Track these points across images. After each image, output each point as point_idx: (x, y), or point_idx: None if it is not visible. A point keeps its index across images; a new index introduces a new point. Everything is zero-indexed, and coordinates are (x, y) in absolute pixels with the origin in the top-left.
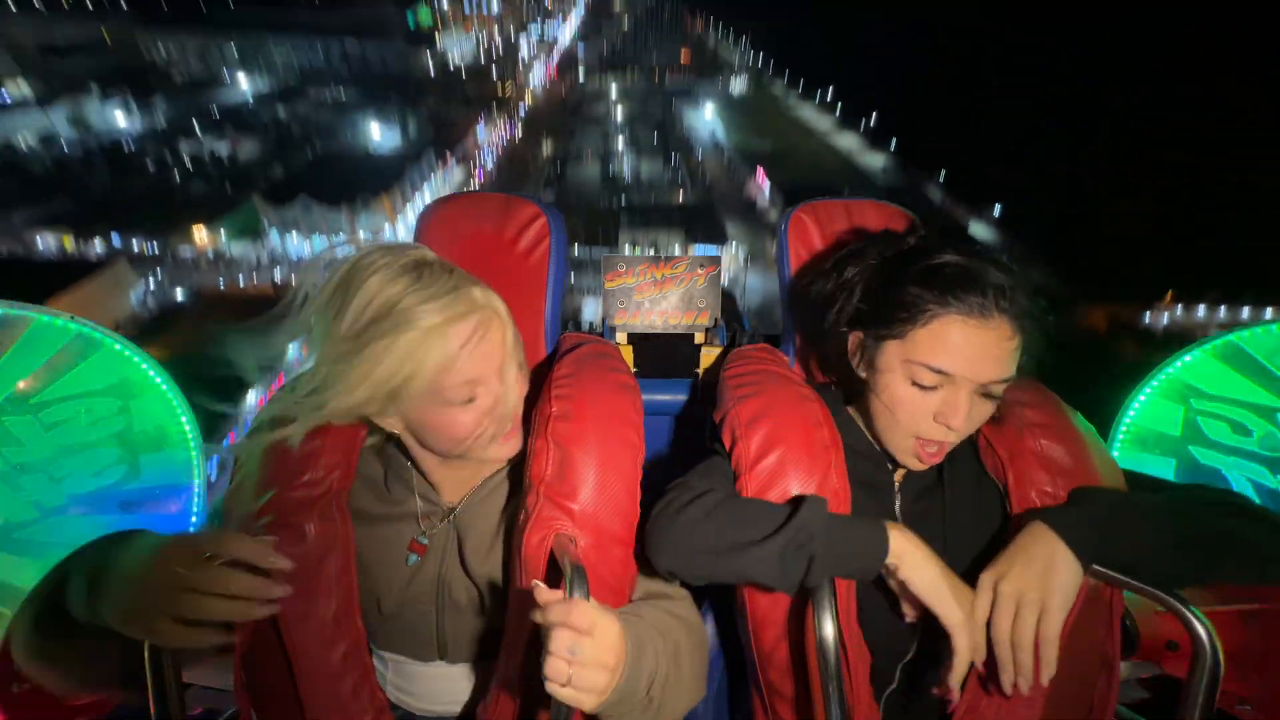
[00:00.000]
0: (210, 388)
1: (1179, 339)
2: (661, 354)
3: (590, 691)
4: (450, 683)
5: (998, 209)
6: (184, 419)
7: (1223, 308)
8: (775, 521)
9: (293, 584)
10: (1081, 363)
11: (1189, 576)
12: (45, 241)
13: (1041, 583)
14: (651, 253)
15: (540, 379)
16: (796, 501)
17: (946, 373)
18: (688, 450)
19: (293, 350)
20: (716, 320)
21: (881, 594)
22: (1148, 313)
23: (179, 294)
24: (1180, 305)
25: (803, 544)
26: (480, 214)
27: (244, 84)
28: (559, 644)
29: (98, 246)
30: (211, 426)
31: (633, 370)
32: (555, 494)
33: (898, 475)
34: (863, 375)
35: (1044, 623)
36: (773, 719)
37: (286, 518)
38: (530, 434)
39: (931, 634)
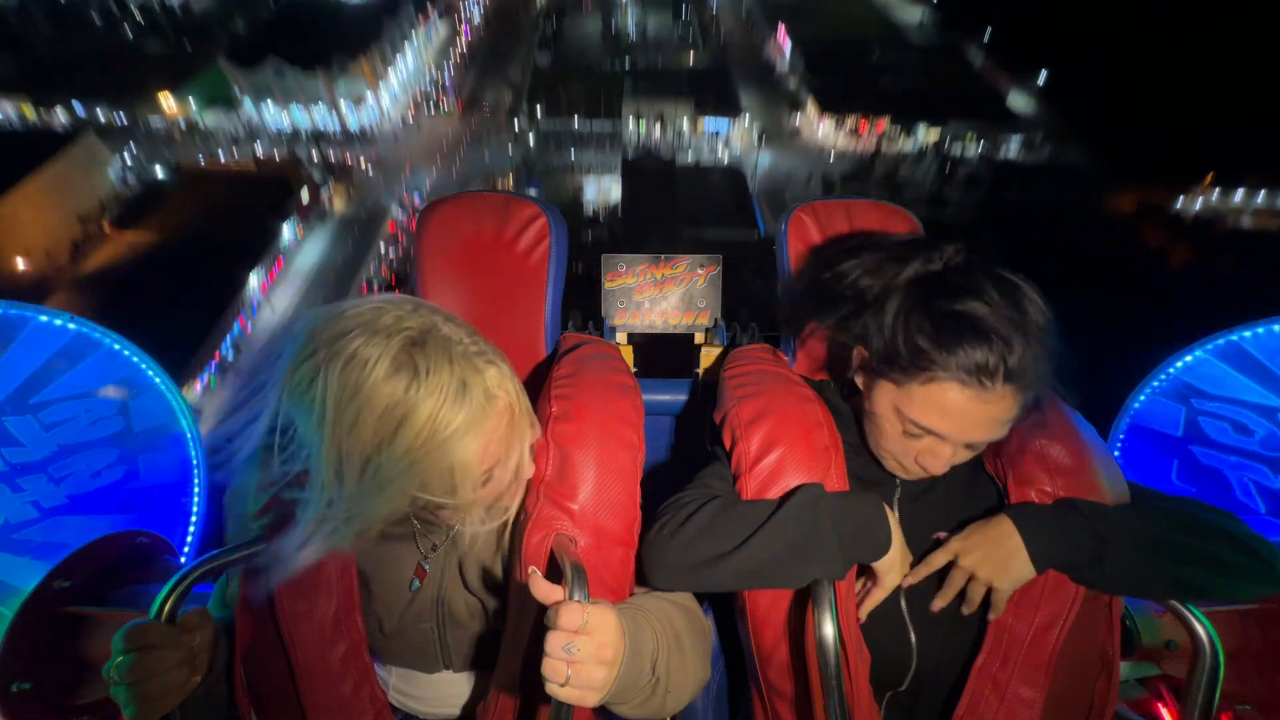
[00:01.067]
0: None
1: (1206, 226)
2: (661, 354)
3: (590, 689)
4: (456, 687)
5: (1043, 76)
6: (184, 419)
7: (1263, 192)
8: (773, 505)
9: (293, 584)
10: (1100, 250)
11: (1154, 592)
12: (3, 110)
13: (994, 570)
14: (658, 129)
15: (540, 379)
16: (790, 494)
17: (936, 434)
18: (688, 450)
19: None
20: (716, 320)
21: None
22: (1181, 196)
23: (159, 171)
24: (1217, 190)
25: (814, 523)
26: (480, 214)
27: None
28: (554, 645)
29: (60, 116)
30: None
31: (633, 370)
32: (555, 494)
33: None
34: (858, 383)
35: (993, 595)
36: (773, 719)
37: (287, 517)
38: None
39: (928, 634)
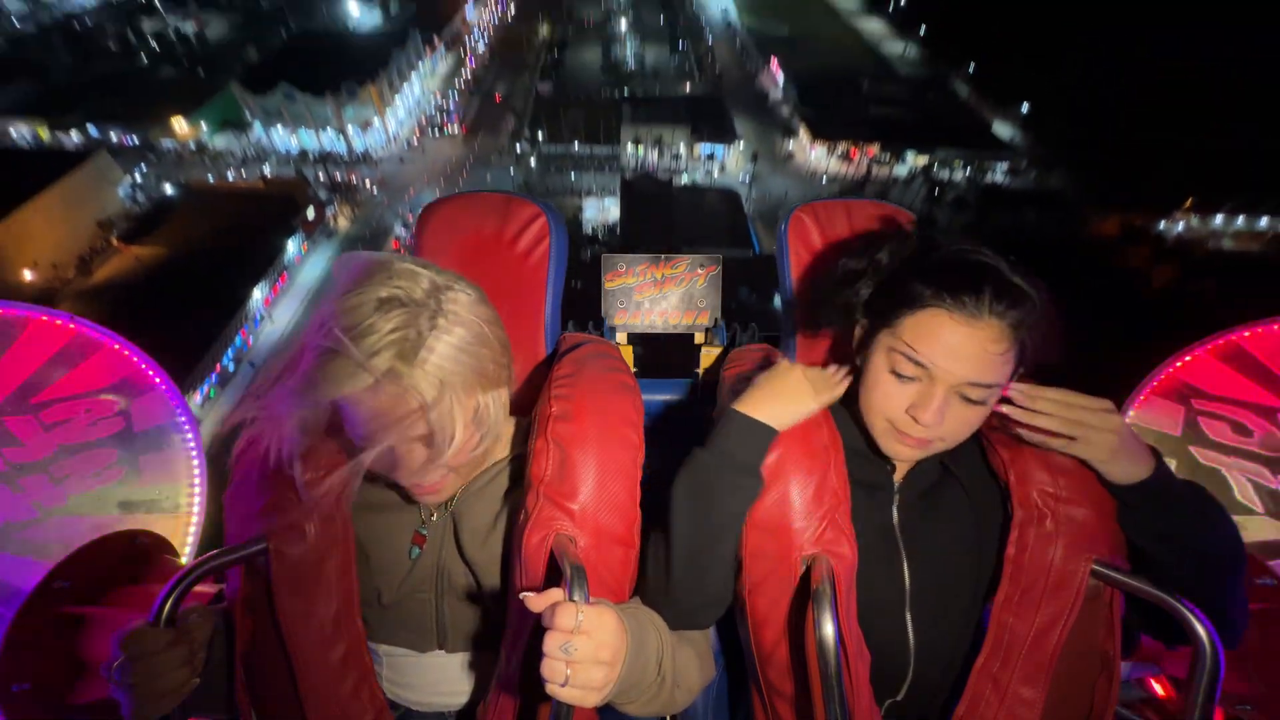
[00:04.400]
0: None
1: (1189, 247)
2: (661, 354)
3: (589, 689)
4: (448, 673)
5: (1025, 107)
6: (184, 419)
7: (1240, 217)
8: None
9: (293, 584)
10: (1086, 270)
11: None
12: (19, 131)
13: (1114, 447)
14: (655, 154)
15: (540, 379)
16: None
17: (923, 364)
18: (688, 450)
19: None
20: (716, 320)
21: (880, 593)
22: (1163, 221)
23: (168, 188)
24: (1196, 215)
25: (694, 471)
26: (480, 213)
27: None
28: (551, 645)
29: (74, 137)
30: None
31: (633, 370)
32: (555, 494)
33: (897, 476)
34: (859, 365)
35: (1082, 443)
36: (773, 718)
37: (287, 518)
38: (530, 434)
39: (929, 634)
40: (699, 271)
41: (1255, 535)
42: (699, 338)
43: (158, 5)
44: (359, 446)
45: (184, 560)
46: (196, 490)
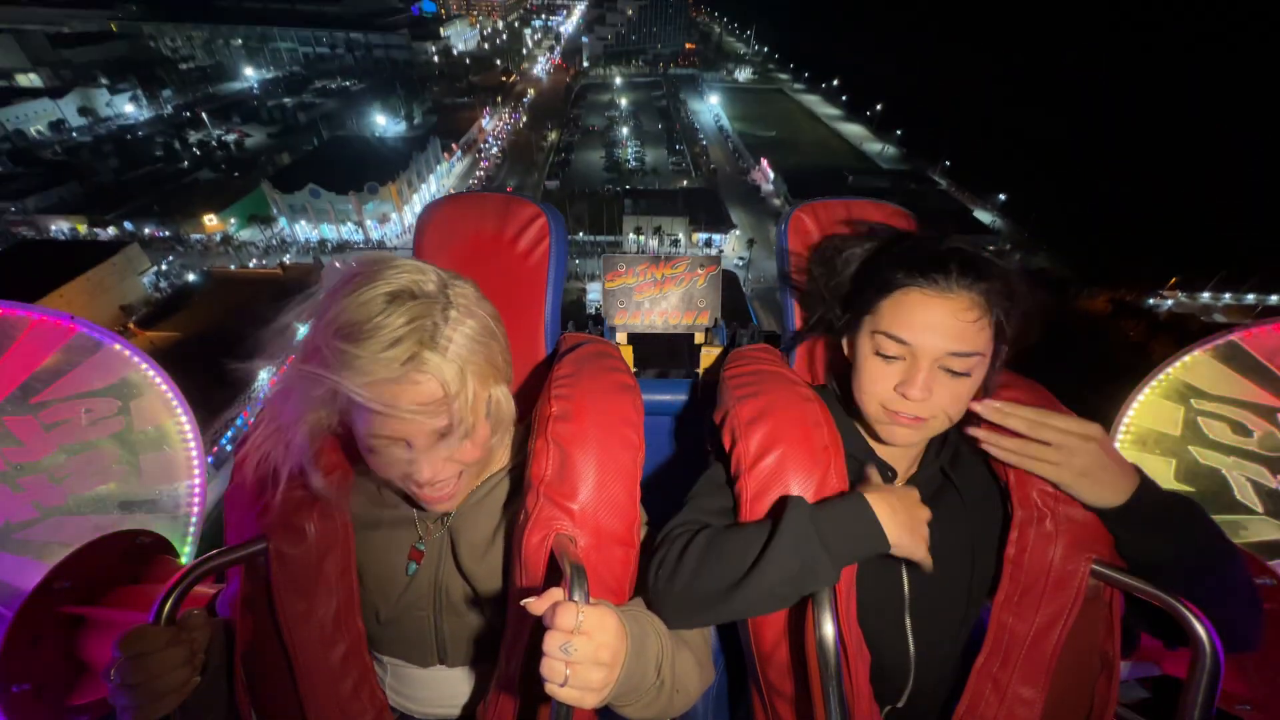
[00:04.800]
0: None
1: (1184, 320)
2: (661, 354)
3: (588, 689)
4: (450, 685)
5: (1002, 196)
6: (184, 419)
7: (1227, 294)
8: (763, 535)
9: (293, 584)
10: (1085, 338)
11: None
12: (59, 227)
13: (1087, 470)
14: (655, 241)
15: (540, 379)
16: (777, 510)
17: (904, 341)
18: (688, 450)
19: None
20: (716, 320)
21: (880, 592)
22: (1150, 299)
23: (190, 276)
24: (1181, 292)
25: (804, 541)
26: (480, 214)
27: (250, 74)
28: (551, 644)
29: (110, 232)
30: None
31: (633, 370)
32: (555, 494)
33: (898, 482)
34: (849, 358)
35: (1043, 471)
36: (773, 719)
37: (287, 517)
38: (530, 434)
39: (929, 635)
40: (699, 271)
41: (1255, 535)
42: (699, 338)
43: (204, 118)
44: (369, 446)
45: (184, 560)
46: (196, 490)
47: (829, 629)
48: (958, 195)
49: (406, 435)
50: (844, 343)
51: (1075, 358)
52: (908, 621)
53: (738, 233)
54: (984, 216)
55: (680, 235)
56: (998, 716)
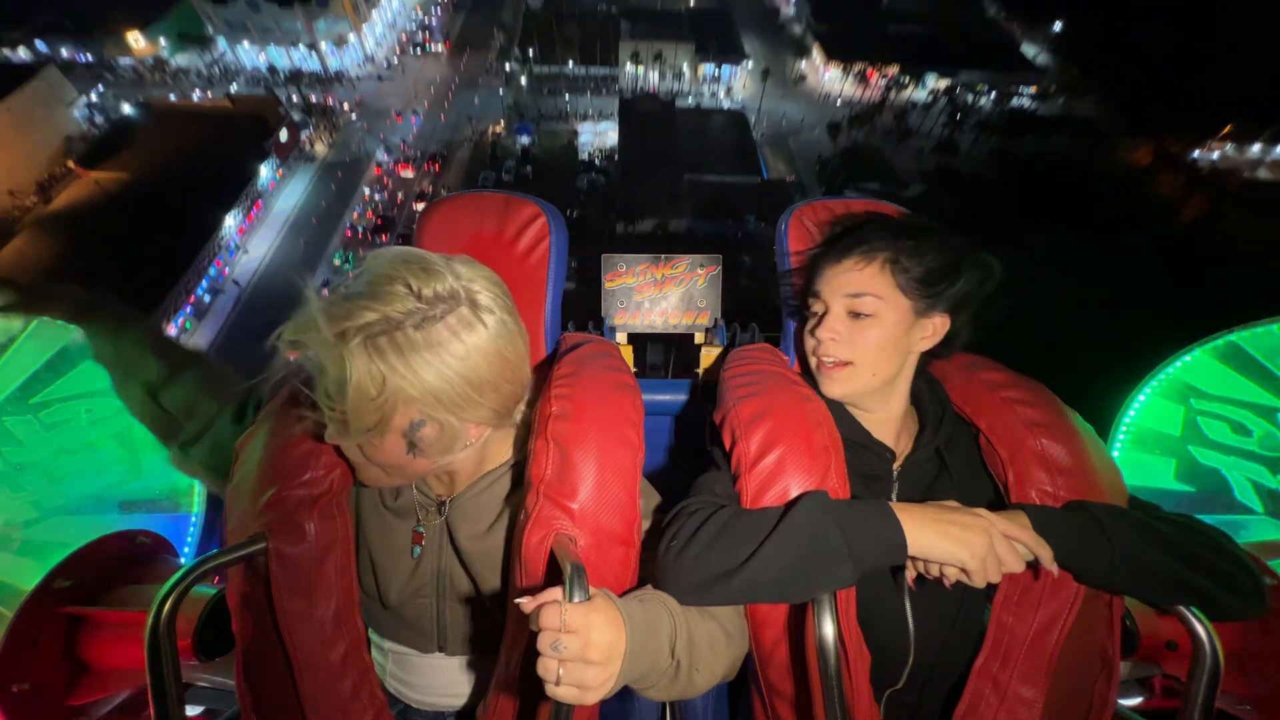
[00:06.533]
0: None
1: (1223, 177)
2: (661, 354)
3: (585, 687)
4: (448, 675)
5: (1057, 25)
6: None
7: (1278, 148)
8: (778, 515)
9: (293, 584)
10: (1114, 201)
11: (1158, 596)
12: None
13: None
14: (655, 74)
15: (540, 379)
16: (794, 502)
17: (816, 293)
18: (688, 450)
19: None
20: (716, 320)
21: (881, 592)
22: (1197, 150)
23: (127, 108)
24: (1233, 143)
25: (822, 533)
26: (480, 213)
27: None
28: (542, 644)
29: (22, 54)
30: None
31: (633, 370)
32: (555, 493)
33: (896, 465)
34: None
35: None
36: (773, 719)
37: (287, 516)
38: (530, 434)
39: (929, 633)
40: (699, 271)
41: (1255, 535)
42: (699, 338)
43: None
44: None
45: (184, 560)
46: (197, 490)
47: (829, 629)
48: (1006, 25)
49: (315, 394)
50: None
51: (1094, 217)
52: (907, 603)
53: (750, 64)
54: (1029, 51)
55: (685, 67)
56: (998, 716)
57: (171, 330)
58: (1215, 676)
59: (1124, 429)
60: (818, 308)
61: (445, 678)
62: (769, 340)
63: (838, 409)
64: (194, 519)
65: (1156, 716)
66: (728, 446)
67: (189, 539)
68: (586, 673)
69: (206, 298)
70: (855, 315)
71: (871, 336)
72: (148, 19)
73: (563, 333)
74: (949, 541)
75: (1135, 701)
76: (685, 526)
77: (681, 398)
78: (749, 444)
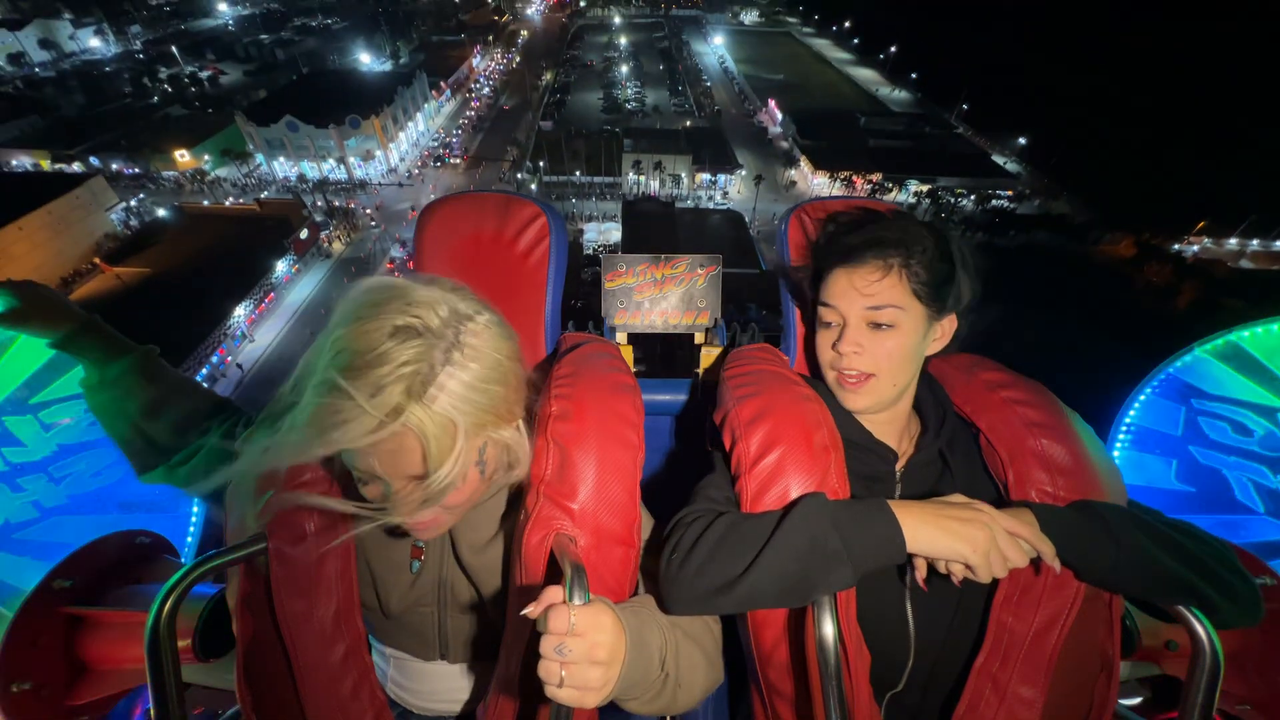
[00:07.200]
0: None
1: (1210, 266)
2: (661, 354)
3: (586, 689)
4: (450, 681)
5: (1022, 140)
6: None
7: (1255, 241)
8: (777, 518)
9: (293, 584)
10: (1109, 285)
11: (1161, 596)
12: (20, 161)
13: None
14: (656, 182)
15: (540, 379)
16: (791, 506)
17: (833, 305)
18: (688, 450)
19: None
20: (716, 320)
21: (881, 593)
22: (1176, 244)
23: (160, 211)
24: (1208, 237)
25: (818, 523)
26: (480, 214)
27: (224, 9)
28: (546, 646)
29: (76, 168)
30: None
31: (633, 370)
32: (555, 494)
33: (899, 466)
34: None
35: (978, 571)
36: (773, 719)
37: (287, 516)
38: (530, 434)
39: (930, 633)
40: (699, 271)
41: (1255, 535)
42: (699, 338)
43: (175, 54)
44: (354, 476)
45: (184, 560)
46: None
47: (829, 629)
48: (975, 140)
49: (383, 475)
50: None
51: (1098, 306)
52: (908, 606)
53: (743, 173)
54: (1000, 160)
55: (683, 174)
56: (997, 716)
57: None
58: (1215, 676)
59: (1124, 429)
60: (833, 318)
61: (446, 684)
62: (769, 340)
63: (840, 410)
64: (194, 519)
65: (1156, 716)
66: (728, 447)
67: (189, 539)
68: (590, 674)
69: (205, 385)
70: (875, 326)
71: (892, 347)
72: (197, 139)
73: (563, 333)
74: (950, 537)
75: (1135, 701)
76: (684, 539)
77: (681, 398)
78: (749, 444)
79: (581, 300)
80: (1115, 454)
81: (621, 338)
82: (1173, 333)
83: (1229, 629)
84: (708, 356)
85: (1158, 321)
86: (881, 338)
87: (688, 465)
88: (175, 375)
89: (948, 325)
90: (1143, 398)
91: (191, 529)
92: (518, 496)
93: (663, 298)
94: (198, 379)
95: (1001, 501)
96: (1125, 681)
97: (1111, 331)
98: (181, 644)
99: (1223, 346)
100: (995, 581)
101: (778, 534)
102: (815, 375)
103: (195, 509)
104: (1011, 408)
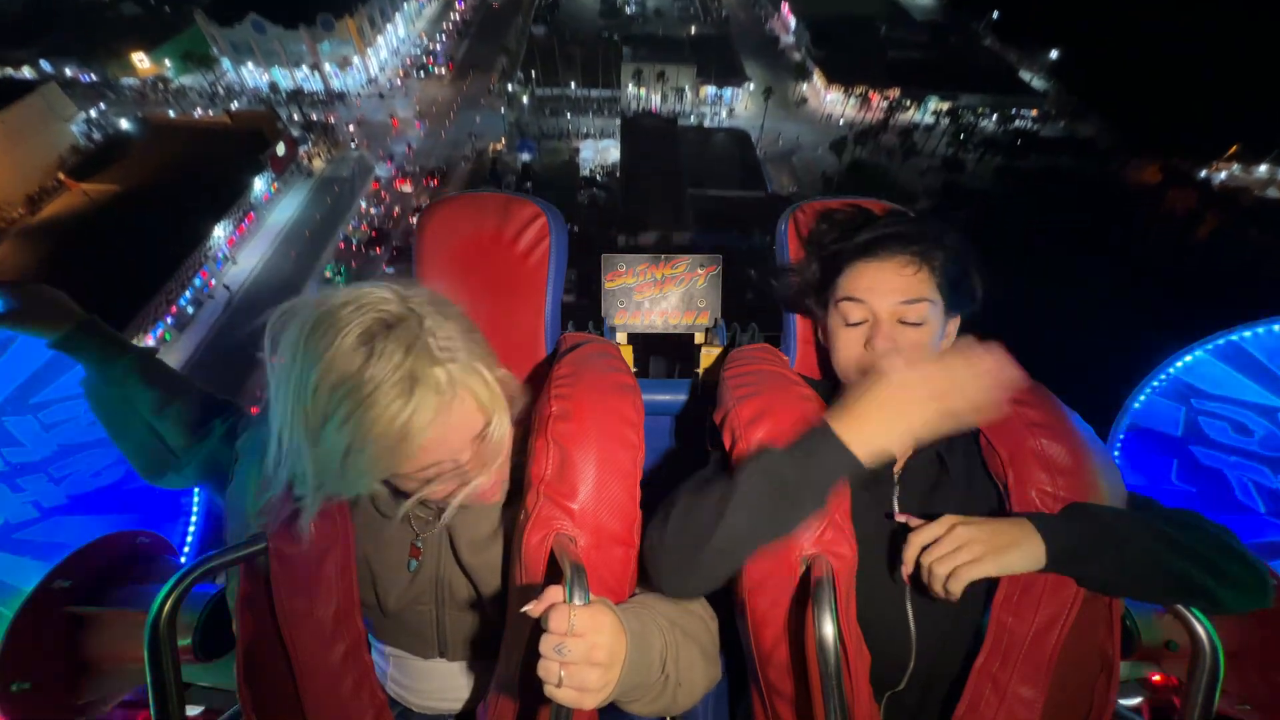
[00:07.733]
0: None
1: (1235, 195)
2: (661, 354)
3: (586, 690)
4: (449, 679)
5: (1054, 54)
6: None
7: None
8: (731, 481)
9: (293, 584)
10: (1132, 212)
11: (1159, 597)
12: None
13: (992, 544)
14: (658, 95)
15: (540, 379)
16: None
17: (862, 300)
18: (688, 450)
19: (218, 232)
20: (716, 320)
21: (881, 593)
22: (1203, 170)
23: (124, 123)
24: (1238, 164)
25: (774, 475)
26: (480, 214)
27: None
28: (545, 646)
29: (27, 73)
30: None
31: (633, 370)
32: (555, 494)
33: (897, 468)
34: (826, 343)
35: (967, 567)
36: (773, 719)
37: (287, 517)
38: (530, 434)
39: (930, 633)
40: (699, 271)
41: (1255, 535)
42: (699, 338)
43: None
44: (412, 489)
45: (184, 560)
46: (196, 491)
47: (829, 629)
48: (1003, 53)
49: (452, 456)
50: (820, 330)
51: (1121, 236)
52: (909, 606)
53: (751, 86)
54: (1027, 77)
55: (686, 87)
56: (997, 716)
57: (149, 340)
58: (1215, 676)
59: (1124, 429)
60: (860, 315)
61: (446, 682)
62: (769, 340)
63: None
64: (194, 519)
65: (1156, 716)
66: (727, 446)
67: (189, 539)
68: (589, 675)
69: (191, 309)
70: (903, 322)
71: (923, 343)
72: (155, 42)
73: (563, 333)
74: (898, 422)
75: (1135, 701)
76: (657, 517)
77: (681, 398)
78: (749, 444)
79: (578, 224)
80: (1115, 454)
81: (621, 338)
82: (1185, 270)
83: (1242, 611)
84: (708, 356)
85: (1174, 256)
86: (913, 334)
87: (688, 465)
88: (175, 375)
89: (952, 327)
90: (1143, 398)
91: (191, 529)
92: (517, 495)
93: (663, 298)
94: (181, 303)
95: (1002, 502)
96: (1125, 681)
97: (1134, 269)
98: (181, 644)
99: (1223, 346)
100: (995, 581)
101: (737, 484)
102: (823, 376)
103: (195, 509)
104: (1011, 407)
